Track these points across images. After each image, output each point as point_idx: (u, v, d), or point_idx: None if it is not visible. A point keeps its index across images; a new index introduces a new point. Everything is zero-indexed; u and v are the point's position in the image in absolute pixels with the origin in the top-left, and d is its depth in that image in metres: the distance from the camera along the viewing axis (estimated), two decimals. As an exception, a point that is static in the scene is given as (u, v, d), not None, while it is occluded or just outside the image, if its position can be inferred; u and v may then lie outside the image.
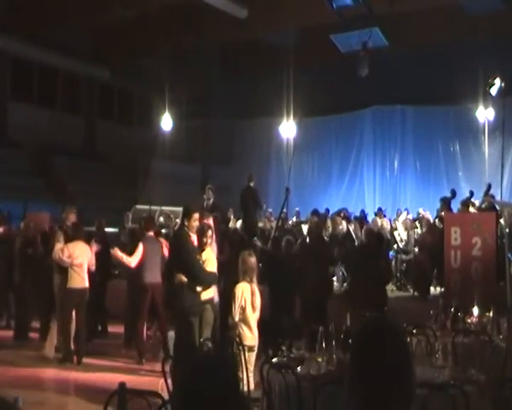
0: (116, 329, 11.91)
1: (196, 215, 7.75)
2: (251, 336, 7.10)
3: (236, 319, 7.08)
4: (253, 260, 7.28)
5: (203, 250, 7.67)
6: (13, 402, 1.80)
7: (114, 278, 12.67)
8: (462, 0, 16.27)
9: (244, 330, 7.07)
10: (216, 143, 23.59)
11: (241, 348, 6.72)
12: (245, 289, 7.14)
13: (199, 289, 7.45)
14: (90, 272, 10.00)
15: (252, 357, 6.97)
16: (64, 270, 9.80)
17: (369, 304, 8.07)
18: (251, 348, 7.04)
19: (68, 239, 10.05)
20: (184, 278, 7.40)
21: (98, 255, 10.51)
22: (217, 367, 2.00)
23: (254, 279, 7.24)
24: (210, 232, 7.85)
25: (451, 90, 18.56)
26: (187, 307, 7.39)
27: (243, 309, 7.09)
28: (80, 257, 9.73)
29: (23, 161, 19.95)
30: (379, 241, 10.29)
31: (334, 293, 11.98)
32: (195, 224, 7.68)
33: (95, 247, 10.26)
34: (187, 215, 7.69)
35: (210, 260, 7.71)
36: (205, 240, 7.71)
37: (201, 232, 7.72)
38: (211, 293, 7.78)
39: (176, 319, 7.85)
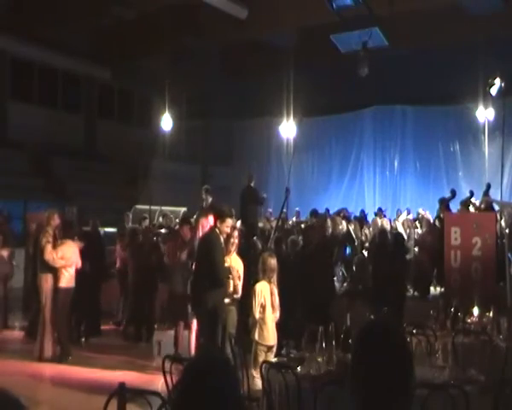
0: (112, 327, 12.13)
1: (230, 221, 7.82)
2: (270, 336, 7.13)
3: (257, 316, 7.09)
4: (273, 261, 7.28)
5: (227, 254, 7.77)
6: (17, 399, 1.81)
7: (112, 278, 12.73)
8: (462, 0, 16.26)
9: (263, 329, 7.09)
10: (216, 143, 23.61)
11: (260, 348, 6.96)
12: (264, 287, 7.16)
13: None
14: (83, 272, 10.10)
15: (271, 356, 6.99)
16: (54, 270, 9.79)
17: (387, 302, 8.28)
18: (270, 348, 7.10)
19: (57, 240, 10.00)
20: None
21: (93, 255, 10.57)
22: (216, 368, 2.00)
23: (273, 280, 7.25)
24: (236, 234, 8.01)
25: (451, 90, 18.58)
26: (212, 308, 7.47)
27: (263, 308, 7.11)
28: (71, 258, 9.82)
29: (23, 161, 19.95)
30: (396, 241, 10.49)
31: (336, 293, 12.01)
32: (227, 229, 7.73)
33: (78, 244, 10.32)
34: (221, 218, 7.71)
35: (236, 264, 7.84)
36: (232, 240, 7.83)
37: (228, 238, 7.81)
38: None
39: (201, 319, 7.89)
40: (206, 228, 8.96)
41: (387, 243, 10.31)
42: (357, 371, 2.04)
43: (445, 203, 13.89)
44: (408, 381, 2.04)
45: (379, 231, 11.50)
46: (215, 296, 7.53)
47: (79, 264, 10.02)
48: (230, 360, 2.08)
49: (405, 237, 14.91)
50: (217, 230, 7.69)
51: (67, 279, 9.73)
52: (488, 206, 13.05)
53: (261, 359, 6.85)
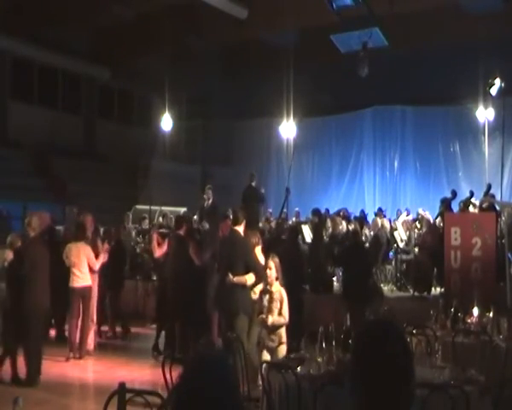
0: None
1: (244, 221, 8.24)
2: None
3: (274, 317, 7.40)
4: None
5: None
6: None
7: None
8: (462, 0, 16.26)
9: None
10: (216, 143, 23.59)
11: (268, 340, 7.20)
12: (282, 292, 7.43)
13: (250, 283, 7.87)
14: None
15: (283, 350, 7.26)
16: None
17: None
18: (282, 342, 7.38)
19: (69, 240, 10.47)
20: (243, 279, 7.78)
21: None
22: (215, 367, 2.00)
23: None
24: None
25: (451, 90, 18.56)
26: (239, 307, 7.70)
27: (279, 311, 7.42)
28: (73, 257, 9.98)
29: (23, 161, 19.93)
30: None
31: (334, 293, 12.04)
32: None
33: (106, 246, 10.74)
34: (237, 221, 8.20)
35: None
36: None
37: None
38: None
39: (226, 317, 8.11)
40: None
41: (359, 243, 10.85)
42: (357, 372, 2.04)
43: (446, 203, 13.89)
44: (408, 381, 2.03)
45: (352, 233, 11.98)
46: (243, 295, 7.80)
47: (94, 265, 10.18)
48: (230, 359, 2.08)
49: (405, 237, 14.92)
50: (237, 229, 8.08)
51: (74, 279, 9.97)
52: (490, 206, 13.05)
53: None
